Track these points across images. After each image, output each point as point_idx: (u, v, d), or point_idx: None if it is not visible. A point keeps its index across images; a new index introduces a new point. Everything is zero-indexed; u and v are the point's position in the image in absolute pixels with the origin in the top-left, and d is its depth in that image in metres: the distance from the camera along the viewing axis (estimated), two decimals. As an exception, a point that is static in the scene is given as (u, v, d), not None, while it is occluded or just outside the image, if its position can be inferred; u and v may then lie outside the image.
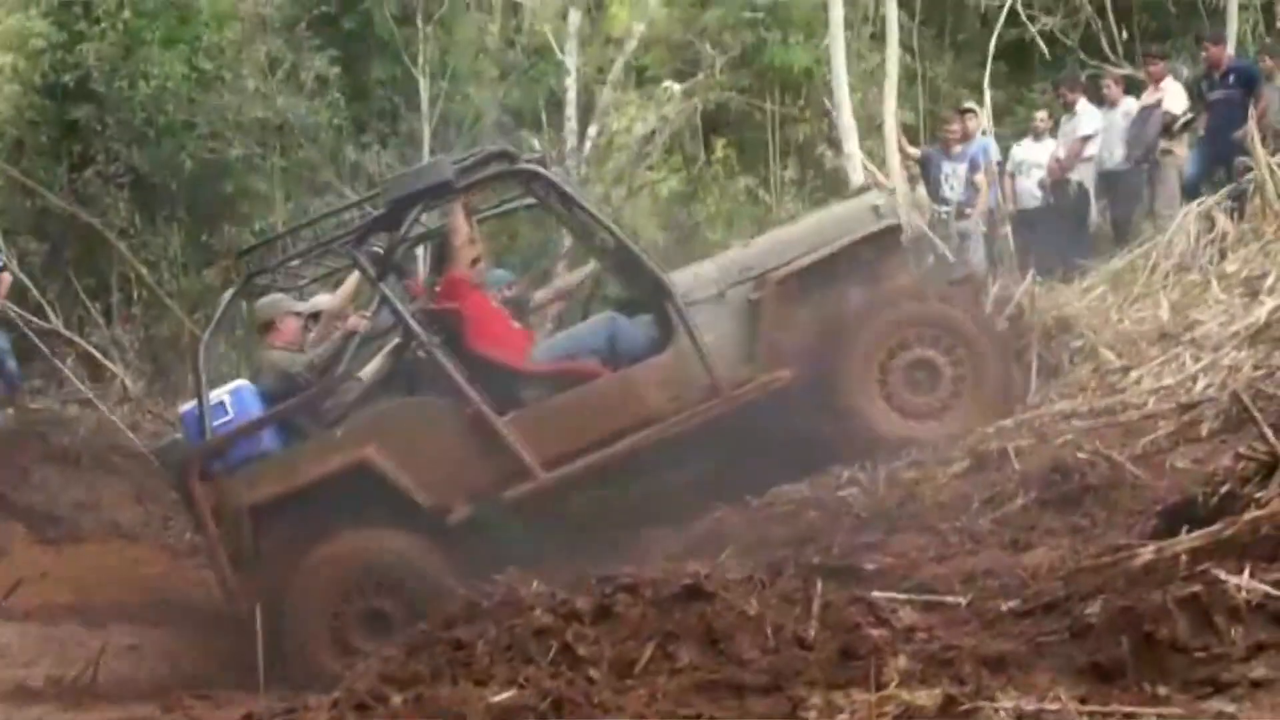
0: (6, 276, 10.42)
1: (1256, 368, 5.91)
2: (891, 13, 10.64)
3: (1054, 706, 2.40)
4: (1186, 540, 3.05)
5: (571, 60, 13.51)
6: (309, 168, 12.81)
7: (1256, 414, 3.65)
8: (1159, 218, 9.39)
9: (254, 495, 6.14)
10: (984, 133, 11.52)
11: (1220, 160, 9.32)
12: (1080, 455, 5.10)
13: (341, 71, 12.88)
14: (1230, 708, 2.33)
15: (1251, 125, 8.53)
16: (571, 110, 13.47)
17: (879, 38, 12.76)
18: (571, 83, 13.51)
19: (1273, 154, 8.27)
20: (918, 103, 13.77)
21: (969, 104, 11.65)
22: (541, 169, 6.79)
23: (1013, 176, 10.92)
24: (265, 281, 7.00)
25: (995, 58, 13.14)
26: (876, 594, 3.32)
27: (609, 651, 2.94)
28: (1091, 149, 10.34)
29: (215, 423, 6.26)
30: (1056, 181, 10.48)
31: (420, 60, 12.80)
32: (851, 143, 10.46)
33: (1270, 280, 6.96)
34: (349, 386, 6.53)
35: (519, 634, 3.05)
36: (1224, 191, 8.45)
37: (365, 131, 13.06)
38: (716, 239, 12.06)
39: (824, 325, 6.59)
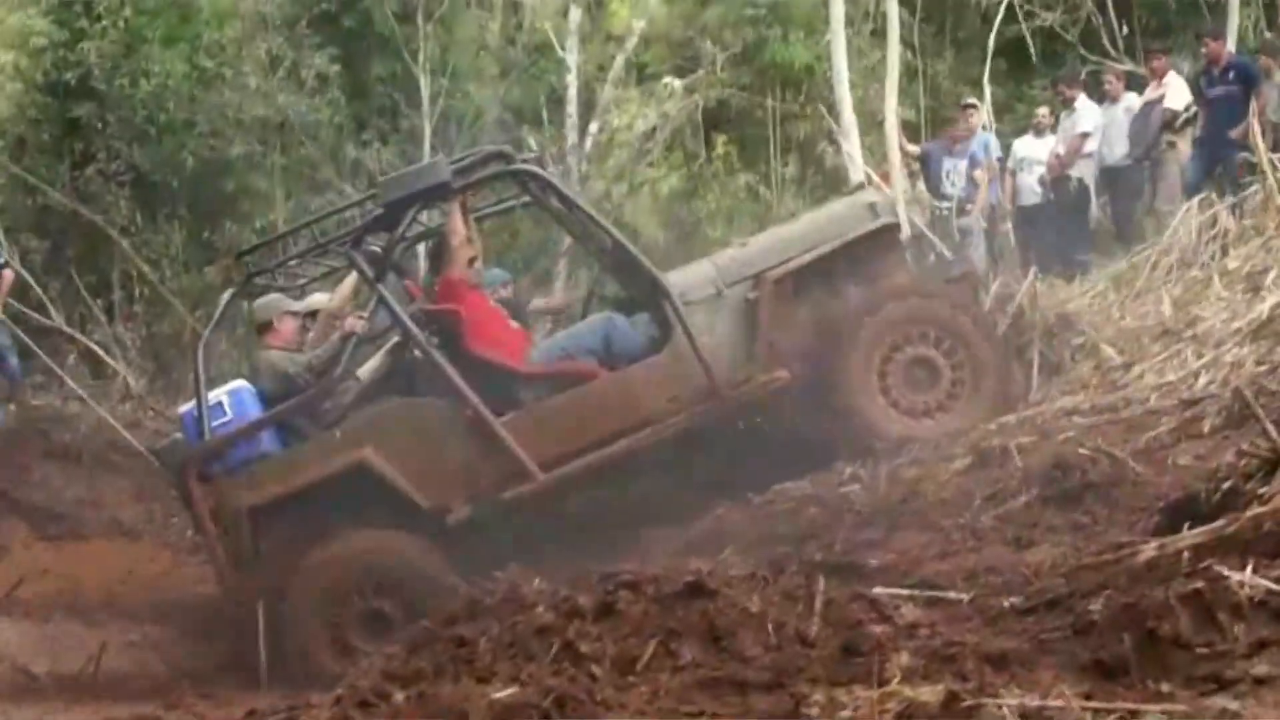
0: (9, 274, 10.43)
1: (1259, 364, 5.91)
2: (892, 9, 10.61)
3: (1058, 703, 2.39)
4: (1189, 537, 3.05)
5: (572, 57, 13.50)
6: (310, 165, 12.81)
7: (1259, 410, 3.66)
8: (1161, 214, 9.38)
9: (253, 496, 6.15)
10: (985, 128, 11.52)
11: (1218, 158, 9.31)
12: (1082, 452, 5.10)
13: (342, 69, 12.88)
14: (1234, 704, 2.32)
15: (1254, 122, 8.52)
16: (572, 107, 13.46)
17: (879, 34, 12.74)
18: (572, 80, 13.51)
19: (1272, 150, 8.26)
20: (918, 99, 13.76)
21: (970, 99, 11.64)
22: (538, 169, 6.79)
23: (1013, 173, 10.91)
24: (264, 281, 7.00)
25: (995, 54, 13.13)
26: (879, 591, 3.31)
27: (611, 649, 2.93)
28: (1090, 145, 10.33)
29: (214, 423, 6.27)
30: (1056, 178, 10.48)
31: (421, 58, 12.80)
32: (852, 140, 10.46)
33: (1272, 276, 6.96)
34: (347, 387, 6.54)
35: (521, 631, 3.04)
36: (1228, 194, 8.46)
37: (366, 129, 13.07)
38: (717, 236, 12.05)
39: (822, 324, 6.59)
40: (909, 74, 13.16)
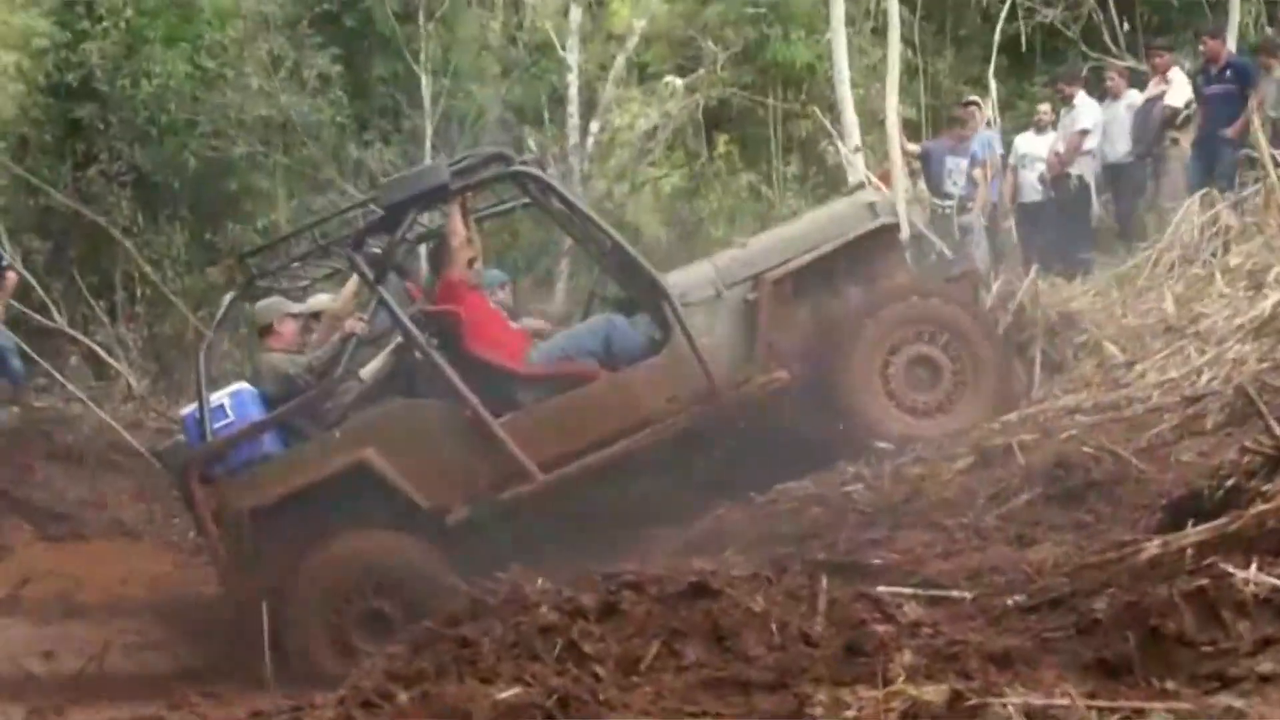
0: (12, 275, 10.43)
1: (1261, 361, 5.91)
2: (893, 8, 10.59)
3: (1062, 702, 2.39)
4: (1192, 534, 3.04)
5: (573, 57, 13.50)
6: (311, 166, 12.82)
7: (1262, 407, 3.65)
8: (1164, 211, 9.36)
9: (254, 497, 6.15)
10: (988, 125, 11.50)
11: (1215, 157, 9.29)
12: (1085, 450, 5.10)
13: (343, 69, 12.89)
14: (1239, 702, 2.32)
15: (1255, 120, 8.52)
16: (574, 107, 13.46)
17: (880, 33, 12.72)
18: (573, 79, 13.50)
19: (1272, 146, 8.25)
20: (919, 98, 13.76)
21: (972, 96, 11.63)
22: (538, 170, 6.79)
23: (1015, 170, 10.90)
24: (266, 284, 7.01)
25: (997, 51, 13.11)
26: (882, 590, 3.31)
27: (615, 649, 2.93)
28: (1090, 143, 10.33)
29: (215, 425, 6.28)
30: (1056, 176, 10.47)
31: (422, 57, 12.80)
32: (853, 138, 10.45)
33: (1274, 273, 6.94)
34: (348, 387, 6.54)
35: (525, 631, 3.04)
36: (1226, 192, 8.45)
37: (367, 129, 13.08)
38: (719, 235, 12.05)
39: (822, 325, 6.59)
40: (910, 72, 13.15)
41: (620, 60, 14.02)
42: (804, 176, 14.05)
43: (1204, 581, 2.65)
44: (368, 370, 6.63)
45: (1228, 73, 9.50)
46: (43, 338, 11.17)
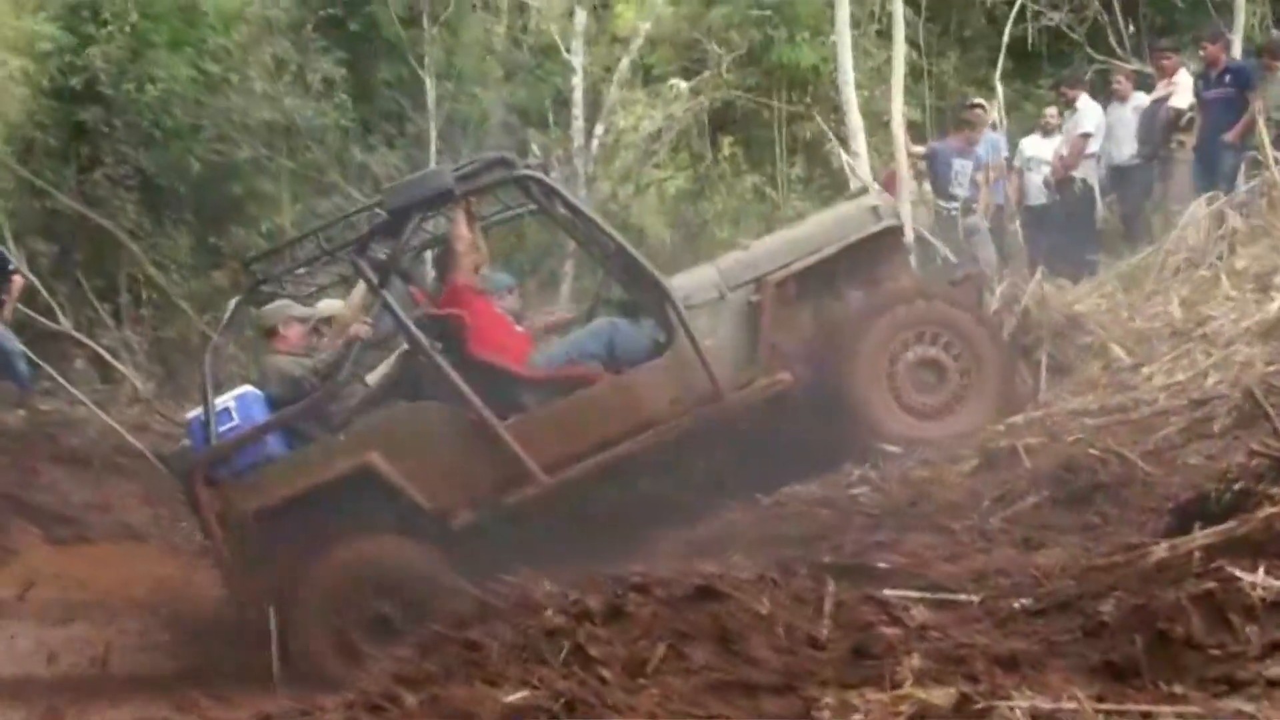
0: (19, 279, 10.45)
1: (1268, 363, 5.90)
2: (897, 9, 10.57)
3: (1069, 705, 2.38)
4: (1200, 537, 3.03)
5: (578, 60, 13.50)
6: (316, 169, 12.83)
7: (1269, 409, 3.65)
8: (1169, 213, 9.35)
9: (259, 500, 6.15)
10: (994, 127, 11.49)
11: (1215, 160, 9.28)
12: (1092, 453, 5.08)
13: (348, 73, 12.92)
14: (1247, 706, 2.31)
15: (1259, 120, 8.51)
16: (578, 109, 13.46)
17: (885, 35, 12.70)
18: (578, 82, 13.51)
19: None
20: (924, 99, 13.75)
21: (977, 99, 11.61)
22: (541, 174, 6.79)
23: (1020, 173, 10.89)
24: (272, 288, 7.01)
25: (1003, 54, 13.10)
26: (889, 593, 3.30)
27: (621, 652, 2.93)
28: (1093, 146, 10.31)
29: (221, 428, 6.28)
30: (1060, 180, 10.46)
31: (426, 61, 12.81)
32: (858, 141, 10.44)
33: (1281, 275, 6.94)
34: (353, 391, 6.55)
35: (531, 634, 3.04)
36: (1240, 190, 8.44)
37: (372, 133, 13.09)
38: (724, 237, 12.06)
39: (826, 327, 6.58)
40: (914, 74, 13.14)
41: (625, 63, 14.02)
42: (809, 178, 14.04)
43: (1212, 585, 2.64)
44: (374, 375, 6.63)
45: (1227, 78, 9.49)
46: (48, 341, 11.19)
